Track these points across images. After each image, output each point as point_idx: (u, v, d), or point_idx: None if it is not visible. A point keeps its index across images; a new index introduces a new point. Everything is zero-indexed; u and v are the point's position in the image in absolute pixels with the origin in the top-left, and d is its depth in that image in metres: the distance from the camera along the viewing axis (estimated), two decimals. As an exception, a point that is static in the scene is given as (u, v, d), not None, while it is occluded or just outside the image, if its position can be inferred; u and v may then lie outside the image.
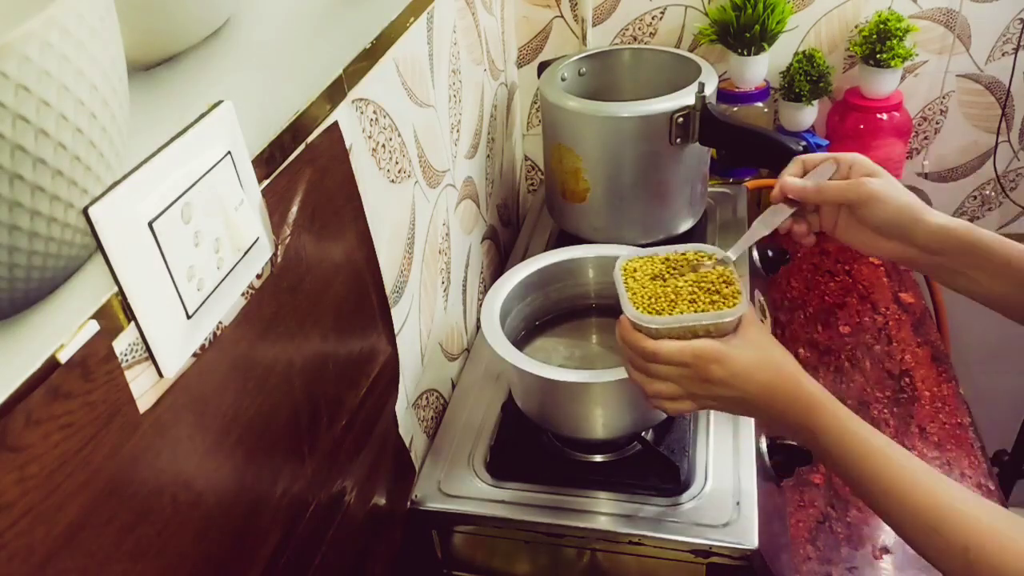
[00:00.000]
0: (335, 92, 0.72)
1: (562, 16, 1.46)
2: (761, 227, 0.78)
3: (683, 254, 0.78)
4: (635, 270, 0.77)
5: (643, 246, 0.82)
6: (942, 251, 0.73)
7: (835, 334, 1.27)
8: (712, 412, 0.98)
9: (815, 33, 1.43)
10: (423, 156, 0.97)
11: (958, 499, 0.62)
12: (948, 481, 0.63)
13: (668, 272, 0.76)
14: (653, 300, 0.73)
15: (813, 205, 0.77)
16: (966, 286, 0.74)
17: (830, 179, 0.75)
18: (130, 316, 0.47)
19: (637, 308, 0.72)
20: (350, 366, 0.77)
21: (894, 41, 1.32)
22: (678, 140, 1.12)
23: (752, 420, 0.96)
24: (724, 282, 0.74)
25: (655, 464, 0.92)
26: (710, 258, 0.77)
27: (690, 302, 0.72)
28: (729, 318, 0.69)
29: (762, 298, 1.21)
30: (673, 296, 0.73)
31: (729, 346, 0.69)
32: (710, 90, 1.10)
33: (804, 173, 0.77)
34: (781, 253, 1.30)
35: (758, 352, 0.69)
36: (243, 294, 0.58)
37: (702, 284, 0.74)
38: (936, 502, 0.62)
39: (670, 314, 0.71)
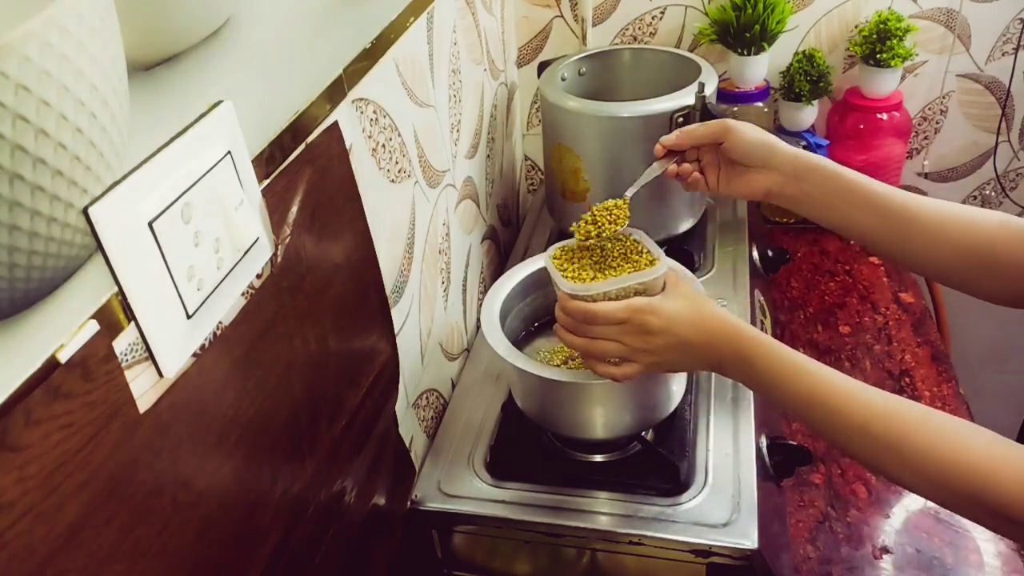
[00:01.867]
0: (335, 92, 0.72)
1: (562, 16, 1.46)
2: (649, 172, 0.89)
3: (598, 236, 0.85)
4: (562, 258, 0.85)
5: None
6: (802, 175, 0.81)
7: (835, 334, 1.27)
8: (711, 411, 0.98)
9: (815, 33, 1.43)
10: (423, 156, 0.97)
11: (882, 399, 0.67)
12: (873, 388, 0.68)
13: (589, 253, 0.85)
14: (584, 278, 0.81)
15: (696, 161, 0.89)
16: (843, 223, 0.81)
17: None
18: (130, 316, 0.47)
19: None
20: (350, 366, 0.77)
21: (894, 41, 1.32)
22: (678, 140, 1.12)
23: (752, 419, 0.96)
24: (637, 251, 0.83)
25: (655, 464, 0.92)
26: (624, 240, 0.85)
27: (616, 270, 0.81)
28: (654, 276, 0.78)
29: (762, 298, 1.21)
30: (600, 271, 0.82)
31: (660, 299, 0.76)
32: (710, 90, 1.10)
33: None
34: (781, 253, 1.30)
35: (687, 300, 0.76)
36: (243, 294, 0.58)
37: (620, 255, 0.83)
38: (861, 404, 0.67)
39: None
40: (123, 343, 0.47)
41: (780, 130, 1.46)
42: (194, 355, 0.53)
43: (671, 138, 0.88)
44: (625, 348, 0.76)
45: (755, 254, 1.26)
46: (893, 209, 0.78)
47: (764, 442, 0.96)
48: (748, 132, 0.84)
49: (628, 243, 0.85)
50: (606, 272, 0.81)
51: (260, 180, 0.60)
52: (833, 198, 0.80)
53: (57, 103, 0.40)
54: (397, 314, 0.89)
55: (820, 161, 0.81)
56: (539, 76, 1.27)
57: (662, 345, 0.75)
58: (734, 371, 0.74)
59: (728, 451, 0.93)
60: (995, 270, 0.74)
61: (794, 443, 0.97)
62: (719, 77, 1.26)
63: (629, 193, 0.87)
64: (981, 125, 1.48)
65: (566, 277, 0.81)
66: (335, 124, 0.71)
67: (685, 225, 1.22)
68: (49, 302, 0.42)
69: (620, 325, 0.75)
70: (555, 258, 0.85)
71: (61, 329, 0.43)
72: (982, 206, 1.56)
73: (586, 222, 0.85)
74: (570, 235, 0.86)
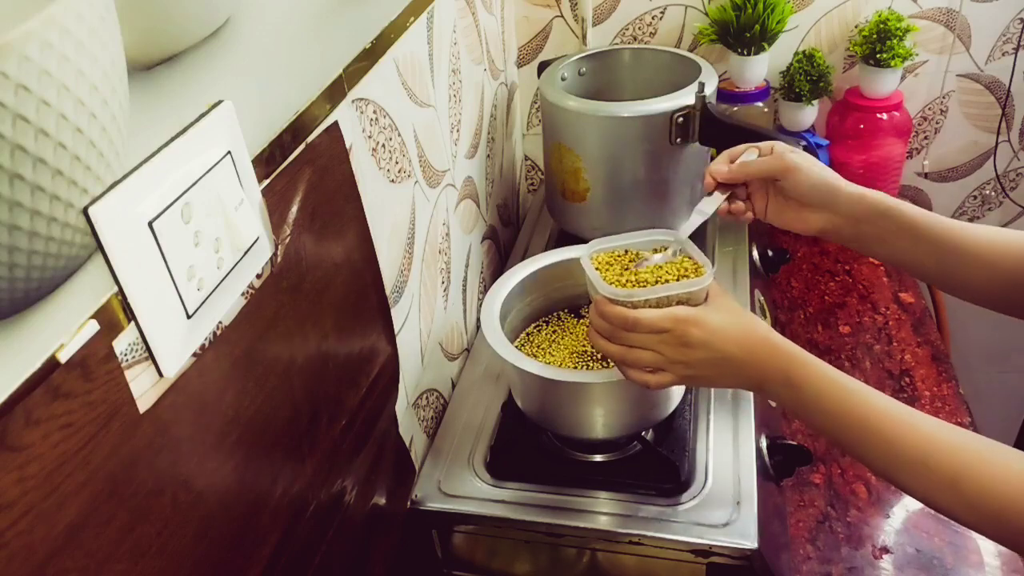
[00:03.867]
0: (335, 92, 0.72)
1: (562, 16, 1.46)
2: (699, 215, 0.83)
3: (642, 250, 0.82)
4: (601, 260, 0.81)
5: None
6: (862, 217, 0.78)
7: (835, 334, 1.27)
8: (711, 411, 0.98)
9: (815, 33, 1.43)
10: (423, 156, 0.97)
11: (943, 432, 0.64)
12: (931, 418, 0.65)
13: (631, 259, 0.81)
14: (623, 283, 0.77)
15: (743, 187, 0.83)
16: (891, 254, 0.79)
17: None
18: (130, 316, 0.47)
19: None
20: (350, 366, 0.77)
21: (894, 41, 1.32)
22: (678, 140, 1.12)
23: (752, 419, 0.96)
24: (684, 257, 0.80)
25: (655, 464, 0.92)
26: (666, 249, 0.81)
27: (657, 279, 0.77)
28: (700, 286, 0.73)
29: (762, 298, 1.21)
30: (641, 276, 0.78)
31: (704, 311, 0.72)
32: (710, 90, 1.10)
33: (731, 157, 0.83)
34: (781, 253, 1.30)
35: (731, 315, 0.72)
36: (243, 294, 0.58)
37: (664, 264, 0.79)
38: (921, 436, 0.63)
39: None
40: (123, 343, 0.47)
41: (780, 130, 1.46)
42: (194, 355, 0.53)
43: (723, 170, 0.81)
44: (662, 358, 0.72)
45: (755, 254, 1.26)
46: (949, 244, 0.76)
47: (764, 442, 0.96)
48: (810, 174, 0.78)
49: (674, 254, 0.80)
50: (647, 278, 0.78)
51: (260, 180, 0.60)
52: (890, 236, 0.77)
53: (57, 103, 0.40)
54: (397, 314, 0.89)
55: (881, 202, 0.77)
56: (539, 76, 1.27)
57: (701, 359, 0.71)
58: (777, 393, 0.71)
59: (728, 451, 0.93)
60: None
61: (794, 443, 0.97)
62: (719, 77, 1.26)
63: (685, 234, 0.81)
64: (981, 125, 1.48)
65: (605, 279, 0.77)
66: (335, 124, 0.71)
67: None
68: (49, 302, 0.42)
69: (660, 334, 0.71)
70: (592, 260, 0.80)
71: (61, 329, 0.43)
72: (982, 206, 1.56)
73: (628, 252, 0.80)
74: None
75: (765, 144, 0.82)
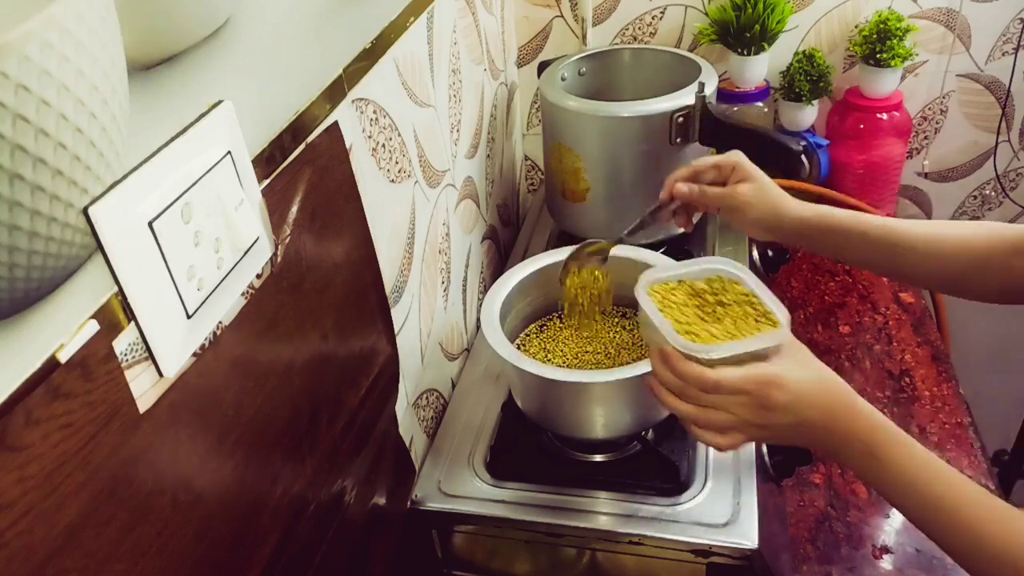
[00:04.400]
0: (335, 92, 0.72)
1: (562, 16, 1.46)
2: (649, 219, 0.91)
3: (701, 279, 0.76)
4: (660, 296, 0.74)
5: (643, 247, 0.83)
6: (806, 235, 0.85)
7: (835, 334, 1.27)
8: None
9: (815, 33, 1.43)
10: (423, 156, 0.97)
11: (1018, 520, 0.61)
12: (1019, 511, 0.62)
13: (691, 295, 0.75)
14: (690, 327, 0.71)
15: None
16: (842, 258, 0.88)
17: (712, 182, 0.88)
18: (130, 316, 0.47)
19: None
20: (350, 366, 0.77)
21: (894, 41, 1.32)
22: (678, 140, 1.12)
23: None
24: (748, 300, 0.73)
25: (655, 464, 0.92)
26: (722, 281, 0.76)
27: (718, 320, 0.71)
28: (779, 340, 0.67)
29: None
30: (708, 320, 0.72)
31: (786, 369, 0.66)
32: (710, 90, 1.10)
33: (694, 175, 0.89)
34: (781, 253, 1.30)
35: (813, 374, 0.67)
36: (243, 294, 0.58)
37: (725, 300, 0.73)
38: (1010, 532, 0.60)
39: (711, 340, 0.69)
40: (123, 343, 0.47)
41: (780, 130, 1.46)
42: (194, 355, 0.53)
43: (684, 191, 0.88)
44: (736, 419, 0.66)
45: (755, 254, 1.26)
46: (888, 243, 0.81)
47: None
48: (758, 207, 0.85)
49: (736, 289, 0.74)
50: (712, 320, 0.71)
51: (260, 180, 0.60)
52: (834, 243, 0.84)
53: (57, 103, 0.40)
54: (397, 314, 0.89)
55: (822, 221, 0.83)
56: (539, 76, 1.27)
57: (780, 423, 0.66)
58: (854, 462, 0.66)
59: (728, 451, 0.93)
60: (986, 275, 0.77)
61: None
62: (719, 77, 1.26)
63: (624, 232, 0.89)
64: (981, 125, 1.48)
65: (674, 326, 0.69)
66: (335, 124, 0.71)
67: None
68: (49, 302, 0.42)
69: (738, 395, 0.66)
70: (652, 293, 0.73)
71: (61, 329, 0.43)
72: (982, 206, 1.56)
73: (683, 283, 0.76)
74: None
75: (727, 161, 0.87)
